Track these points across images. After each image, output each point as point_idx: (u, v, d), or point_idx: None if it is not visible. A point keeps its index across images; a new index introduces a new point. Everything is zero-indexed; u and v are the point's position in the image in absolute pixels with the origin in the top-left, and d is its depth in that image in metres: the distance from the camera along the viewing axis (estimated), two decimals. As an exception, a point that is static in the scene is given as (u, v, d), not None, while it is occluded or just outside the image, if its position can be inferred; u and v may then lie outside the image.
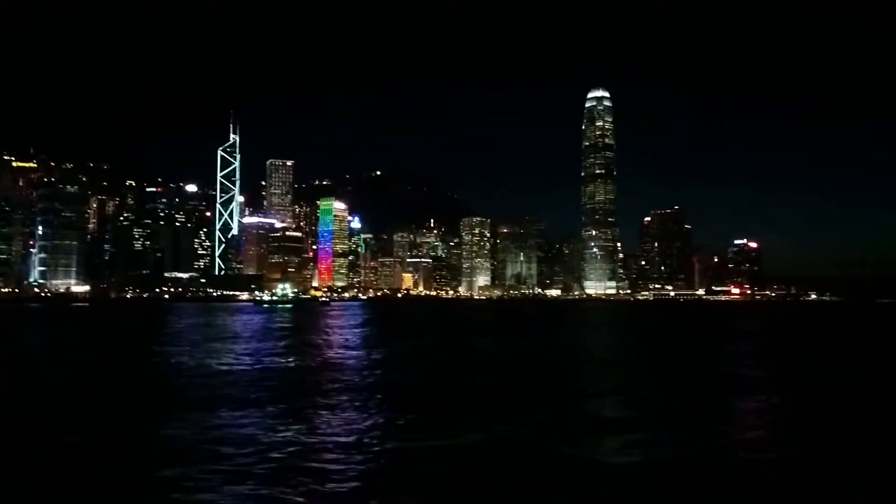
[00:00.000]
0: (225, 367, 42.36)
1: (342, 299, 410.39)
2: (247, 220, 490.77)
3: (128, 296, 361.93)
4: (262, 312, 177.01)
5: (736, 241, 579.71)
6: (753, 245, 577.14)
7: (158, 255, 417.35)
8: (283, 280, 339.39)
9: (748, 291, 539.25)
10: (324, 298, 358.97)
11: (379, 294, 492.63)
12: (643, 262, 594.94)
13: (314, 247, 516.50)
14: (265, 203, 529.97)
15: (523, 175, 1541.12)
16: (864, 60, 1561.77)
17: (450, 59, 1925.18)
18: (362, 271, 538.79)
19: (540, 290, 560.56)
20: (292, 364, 45.12)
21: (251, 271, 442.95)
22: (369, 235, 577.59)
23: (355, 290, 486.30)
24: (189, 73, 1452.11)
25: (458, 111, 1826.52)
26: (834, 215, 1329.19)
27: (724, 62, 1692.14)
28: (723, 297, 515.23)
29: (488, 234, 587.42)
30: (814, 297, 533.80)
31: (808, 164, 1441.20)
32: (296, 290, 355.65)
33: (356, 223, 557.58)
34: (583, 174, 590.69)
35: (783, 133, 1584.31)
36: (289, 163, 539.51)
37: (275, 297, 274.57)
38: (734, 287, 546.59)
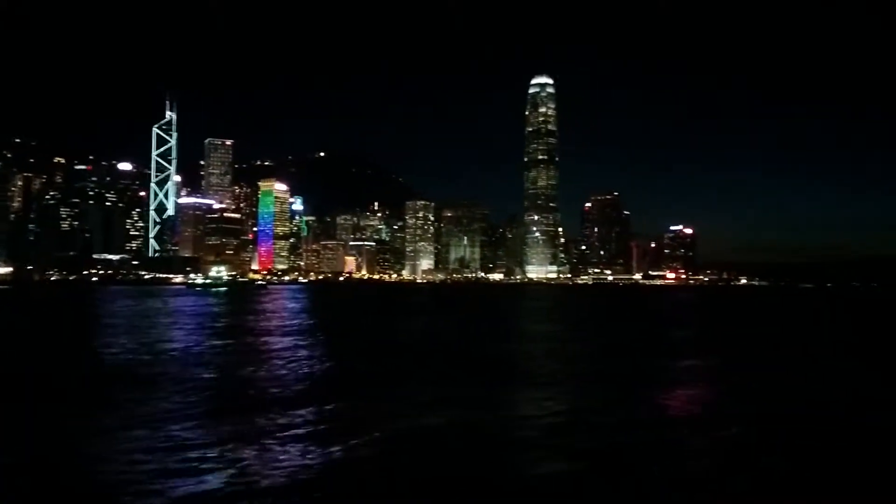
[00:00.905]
0: (102, 357, 40.13)
1: (282, 282, 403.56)
2: (183, 200, 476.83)
3: (53, 278, 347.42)
4: (190, 296, 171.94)
5: (672, 227, 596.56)
6: (688, 231, 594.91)
7: (87, 235, 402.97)
8: (219, 263, 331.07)
9: (683, 276, 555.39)
10: (260, 282, 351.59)
11: (321, 278, 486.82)
12: (583, 247, 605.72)
13: (254, 229, 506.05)
14: (203, 183, 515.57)
15: (468, 159, 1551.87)
16: (808, 46, 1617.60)
17: (395, 43, 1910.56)
18: (304, 254, 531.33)
19: (483, 274, 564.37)
20: (168, 354, 42.96)
21: (187, 253, 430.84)
22: (312, 218, 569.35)
23: (296, 274, 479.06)
24: (125, 48, 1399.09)
25: (404, 95, 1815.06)
26: (765, 204, 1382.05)
27: (665, 49, 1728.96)
28: (658, 282, 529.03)
29: (432, 218, 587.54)
30: (744, 281, 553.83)
31: (742, 159, 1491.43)
32: (233, 273, 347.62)
33: (298, 205, 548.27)
34: (526, 160, 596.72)
35: (721, 123, 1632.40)
36: (228, 142, 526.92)
37: (208, 281, 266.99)
38: (669, 272, 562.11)
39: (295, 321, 76.56)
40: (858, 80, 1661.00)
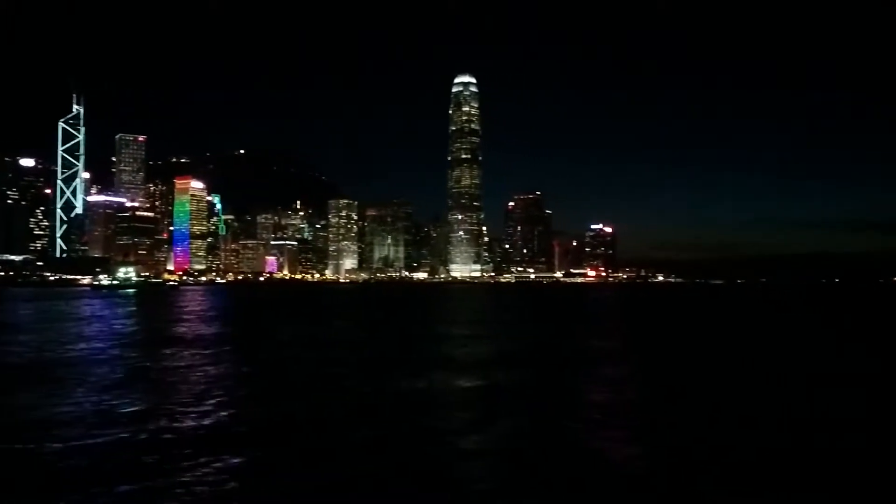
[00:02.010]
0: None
1: (198, 283, 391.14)
2: (92, 198, 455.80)
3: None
4: (93, 298, 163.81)
5: (593, 226, 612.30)
6: (608, 230, 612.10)
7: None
8: (130, 263, 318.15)
9: (603, 274, 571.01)
10: (172, 283, 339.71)
11: (240, 278, 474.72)
12: (507, 246, 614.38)
13: (170, 228, 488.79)
14: (114, 181, 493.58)
15: (392, 158, 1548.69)
16: (729, 41, 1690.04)
17: (319, 39, 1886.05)
18: (222, 254, 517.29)
19: (407, 273, 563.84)
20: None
21: (97, 254, 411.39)
22: (231, 217, 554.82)
23: (214, 274, 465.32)
24: (28, 37, 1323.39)
25: (328, 92, 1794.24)
26: (682, 202, 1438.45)
27: (585, 49, 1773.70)
28: (579, 280, 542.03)
29: (356, 217, 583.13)
30: (661, 278, 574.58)
31: (661, 158, 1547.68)
32: (146, 273, 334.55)
33: (216, 204, 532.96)
34: (449, 158, 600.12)
35: (641, 123, 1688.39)
36: (141, 138, 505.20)
37: (116, 282, 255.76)
38: (590, 269, 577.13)
39: (183, 325, 73.94)
40: (772, 77, 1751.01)
